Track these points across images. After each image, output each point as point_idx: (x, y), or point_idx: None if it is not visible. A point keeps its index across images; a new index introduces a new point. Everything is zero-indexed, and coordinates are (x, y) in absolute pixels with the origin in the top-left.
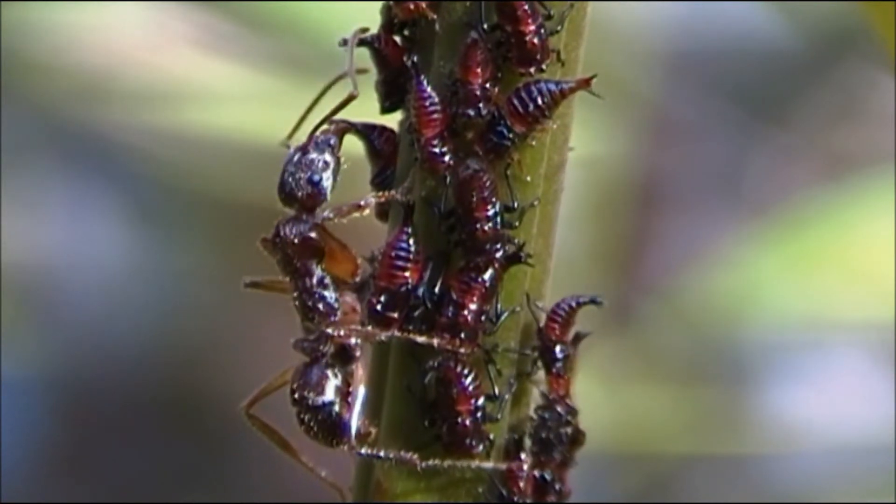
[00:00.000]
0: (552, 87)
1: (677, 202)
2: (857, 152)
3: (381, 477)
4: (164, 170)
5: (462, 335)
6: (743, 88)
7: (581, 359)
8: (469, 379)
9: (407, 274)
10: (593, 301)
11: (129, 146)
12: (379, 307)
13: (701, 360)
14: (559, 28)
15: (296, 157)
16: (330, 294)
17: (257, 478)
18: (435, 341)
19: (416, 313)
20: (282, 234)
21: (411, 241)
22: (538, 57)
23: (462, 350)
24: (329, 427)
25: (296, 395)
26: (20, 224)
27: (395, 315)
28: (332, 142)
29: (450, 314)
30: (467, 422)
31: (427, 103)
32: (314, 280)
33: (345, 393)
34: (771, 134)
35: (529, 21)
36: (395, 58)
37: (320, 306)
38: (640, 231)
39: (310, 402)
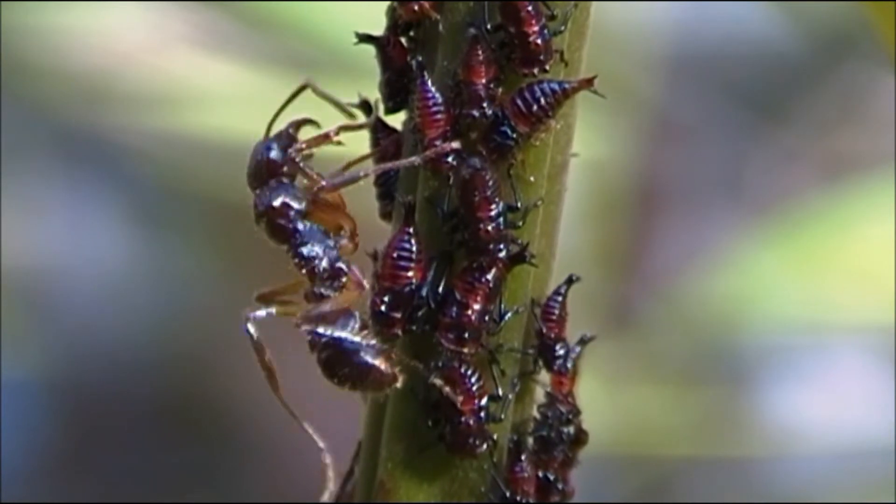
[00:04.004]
0: (555, 86)
1: (678, 203)
2: (858, 153)
3: (384, 477)
4: (165, 172)
5: (466, 335)
6: (744, 90)
7: (583, 360)
8: (473, 379)
9: (410, 274)
10: (570, 281)
11: (130, 148)
12: (383, 307)
13: (701, 362)
14: (562, 28)
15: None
16: (326, 240)
17: (257, 478)
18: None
19: (420, 313)
20: (258, 205)
21: (414, 241)
22: (541, 58)
23: (466, 350)
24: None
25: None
26: (20, 226)
27: (399, 315)
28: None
29: (453, 314)
30: (471, 422)
31: (431, 104)
32: (304, 231)
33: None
34: (772, 135)
35: (533, 22)
36: (400, 58)
37: (318, 249)
38: (642, 232)
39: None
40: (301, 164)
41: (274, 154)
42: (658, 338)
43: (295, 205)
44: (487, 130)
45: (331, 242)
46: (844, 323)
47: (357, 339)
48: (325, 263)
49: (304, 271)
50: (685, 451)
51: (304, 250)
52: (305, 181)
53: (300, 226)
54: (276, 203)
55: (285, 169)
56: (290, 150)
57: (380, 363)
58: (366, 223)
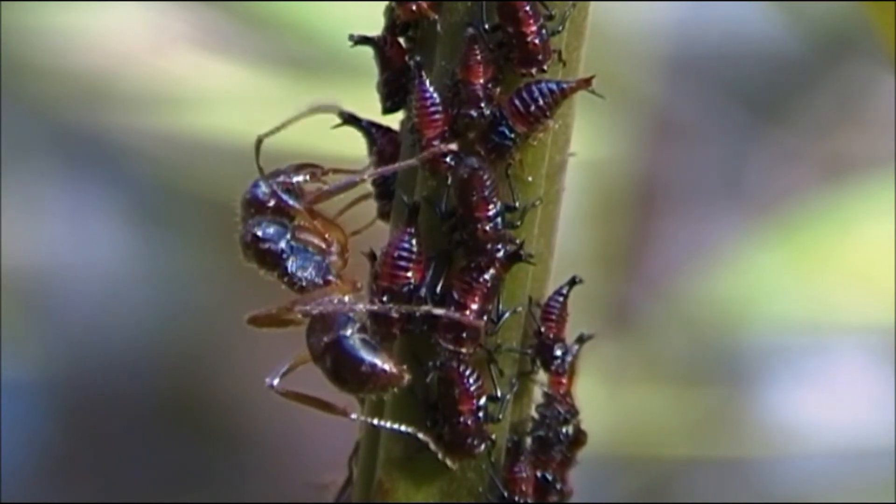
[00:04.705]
0: (553, 86)
1: (678, 203)
2: (858, 153)
3: (382, 477)
4: (165, 172)
5: (464, 335)
6: (744, 90)
7: (582, 360)
8: (471, 379)
9: (409, 274)
10: (573, 282)
11: (130, 148)
12: None
13: (702, 362)
14: (560, 28)
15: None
16: (314, 257)
17: (257, 478)
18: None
19: (418, 314)
20: (244, 237)
21: (414, 242)
22: (540, 58)
23: (464, 350)
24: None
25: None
26: (20, 226)
27: (397, 315)
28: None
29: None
30: (469, 422)
31: (429, 104)
32: (291, 251)
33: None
34: (772, 135)
35: (531, 22)
36: (398, 58)
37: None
38: (641, 232)
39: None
40: (284, 198)
41: (257, 190)
42: (658, 338)
43: (279, 227)
44: (485, 130)
45: (319, 259)
46: (844, 323)
47: (359, 338)
48: (317, 279)
49: (294, 289)
50: (685, 451)
51: (293, 270)
52: (292, 202)
53: (286, 247)
54: (259, 230)
55: (271, 203)
56: (274, 183)
57: (384, 362)
58: (360, 224)
